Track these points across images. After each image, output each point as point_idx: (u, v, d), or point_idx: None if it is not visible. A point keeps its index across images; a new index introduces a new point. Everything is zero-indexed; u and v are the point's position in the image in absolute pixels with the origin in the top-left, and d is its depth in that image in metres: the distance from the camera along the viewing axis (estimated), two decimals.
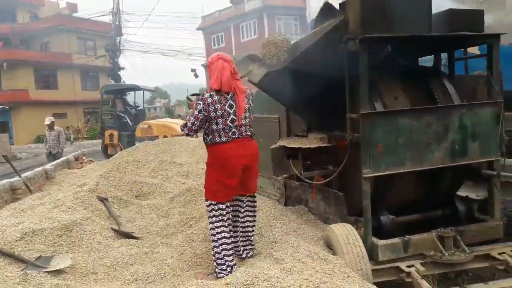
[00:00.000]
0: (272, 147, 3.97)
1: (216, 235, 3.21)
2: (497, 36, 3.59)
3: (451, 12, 3.85)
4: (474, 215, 3.84)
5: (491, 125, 3.56)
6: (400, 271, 3.23)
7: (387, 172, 3.34)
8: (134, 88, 16.23)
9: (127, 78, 37.71)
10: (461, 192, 4.17)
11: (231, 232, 3.29)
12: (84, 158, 11.81)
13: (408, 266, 3.24)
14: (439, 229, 3.46)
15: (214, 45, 35.01)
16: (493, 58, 3.61)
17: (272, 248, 3.26)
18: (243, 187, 3.36)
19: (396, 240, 3.37)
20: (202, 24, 36.26)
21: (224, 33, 34.00)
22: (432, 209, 3.85)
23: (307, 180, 3.91)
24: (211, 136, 3.29)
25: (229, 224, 3.28)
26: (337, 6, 3.48)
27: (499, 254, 3.36)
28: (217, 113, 3.23)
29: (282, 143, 3.92)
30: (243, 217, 3.44)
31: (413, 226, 3.89)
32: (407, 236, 3.40)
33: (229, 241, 3.21)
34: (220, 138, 3.25)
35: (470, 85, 4.18)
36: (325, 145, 3.78)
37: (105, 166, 8.03)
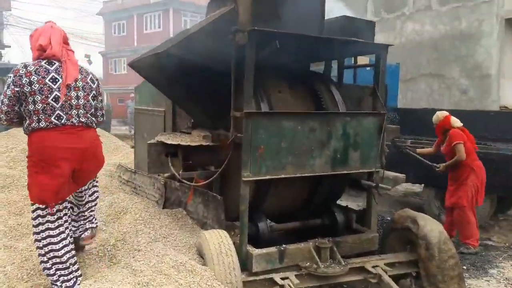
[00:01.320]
0: (149, 142, 3.53)
1: (44, 248, 2.64)
2: (385, 47, 3.61)
3: (344, 19, 3.83)
4: (353, 225, 3.82)
5: (374, 136, 3.56)
6: (274, 283, 3.02)
7: (268, 177, 3.12)
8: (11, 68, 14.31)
9: (15, 57, 33.67)
10: (343, 202, 4.19)
11: (69, 238, 2.74)
12: None
13: (283, 278, 3.04)
14: (316, 239, 3.34)
15: (115, 33, 33.11)
16: (380, 68, 3.63)
17: (133, 257, 2.81)
18: (74, 187, 2.82)
19: (271, 249, 3.16)
20: (103, 10, 34.00)
21: (126, 22, 32.29)
22: (312, 217, 3.74)
23: (185, 181, 3.54)
24: (28, 121, 2.61)
25: (66, 228, 2.72)
26: None
27: (373, 267, 3.33)
28: (33, 87, 2.54)
29: (160, 138, 3.49)
30: (84, 204, 3.03)
31: (292, 235, 3.78)
32: (284, 246, 3.22)
33: (61, 253, 2.65)
34: (39, 123, 2.57)
35: (356, 94, 4.20)
36: (207, 144, 3.45)
37: None
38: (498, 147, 5.86)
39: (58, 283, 2.65)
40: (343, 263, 3.25)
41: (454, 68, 11.44)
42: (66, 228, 2.72)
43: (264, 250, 3.12)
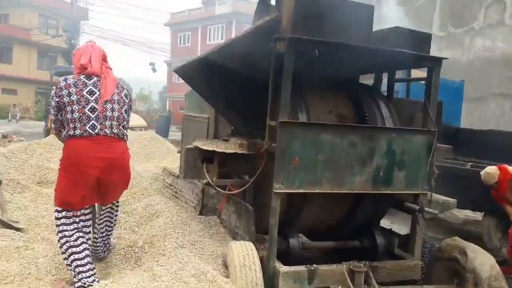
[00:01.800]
0: (186, 147, 3.52)
1: (64, 246, 2.73)
2: (438, 60, 3.34)
3: (396, 30, 3.60)
4: (394, 251, 3.55)
5: (422, 155, 3.29)
6: None
7: (300, 190, 2.97)
8: None
9: None
10: (387, 225, 3.92)
11: (87, 240, 2.82)
12: (14, 136, 10.95)
13: None
14: (351, 262, 3.12)
15: (180, 43, 34.46)
16: (432, 83, 3.36)
17: (157, 261, 2.78)
18: (100, 197, 2.91)
19: (301, 268, 2.99)
20: (171, 20, 35.61)
21: (191, 33, 33.54)
22: (349, 238, 3.52)
23: (217, 188, 3.48)
24: (66, 129, 2.77)
25: (84, 233, 2.81)
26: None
27: None
28: (72, 98, 2.72)
29: (197, 144, 3.47)
30: (101, 223, 3.09)
31: (327, 255, 3.58)
32: (314, 265, 3.03)
33: (80, 249, 2.72)
34: (75, 131, 2.72)
35: (408, 110, 3.94)
36: (243, 152, 3.37)
37: None
38: None
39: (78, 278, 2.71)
40: None
41: None
42: (84, 232, 2.80)
43: (293, 268, 2.96)
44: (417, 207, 3.19)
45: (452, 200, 3.57)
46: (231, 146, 3.40)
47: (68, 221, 2.78)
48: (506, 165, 4.59)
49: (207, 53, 3.26)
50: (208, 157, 3.49)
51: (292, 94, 3.23)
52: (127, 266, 2.89)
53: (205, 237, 3.35)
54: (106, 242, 3.18)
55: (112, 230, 3.19)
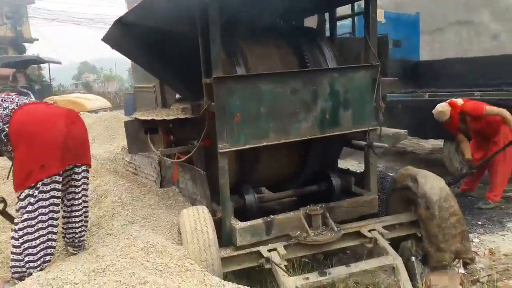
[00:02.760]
0: (125, 120, 3.40)
1: (22, 230, 2.48)
2: None
3: None
4: (351, 189, 3.59)
5: (366, 92, 3.25)
6: (260, 256, 2.87)
7: (247, 146, 2.91)
8: (36, 61, 14.61)
9: (45, 51, 34.38)
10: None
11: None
12: None
13: (270, 250, 2.89)
14: (308, 207, 3.13)
15: None
16: (369, 15, 3.27)
17: (103, 242, 2.71)
18: (75, 156, 2.71)
19: (257, 221, 2.99)
20: None
21: None
22: (306, 184, 3.53)
23: (165, 158, 3.40)
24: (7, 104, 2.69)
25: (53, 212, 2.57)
26: None
27: (369, 231, 3.11)
28: None
29: (136, 115, 3.35)
30: (78, 199, 2.78)
31: (291, 204, 3.60)
32: (271, 216, 3.04)
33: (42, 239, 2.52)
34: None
35: (355, 48, 3.87)
36: (185, 116, 3.27)
37: None
38: None
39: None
40: (336, 229, 3.04)
41: (483, 13, 10.57)
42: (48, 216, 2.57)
43: (249, 223, 2.96)
44: (364, 143, 3.18)
45: (403, 132, 3.58)
46: (173, 112, 3.29)
47: (45, 195, 2.51)
48: (454, 100, 4.66)
49: (123, 15, 3.06)
50: (151, 127, 3.38)
51: (227, 47, 3.13)
52: (73, 252, 2.80)
53: (160, 209, 3.30)
54: (84, 229, 2.88)
55: (88, 211, 2.95)
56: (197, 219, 2.75)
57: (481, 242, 3.74)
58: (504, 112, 4.36)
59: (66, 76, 43.32)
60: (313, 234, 2.99)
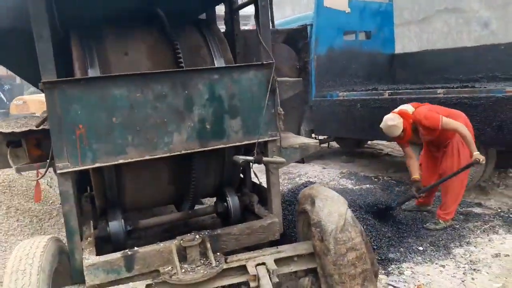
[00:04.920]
0: None
1: None
2: None
3: None
4: (255, 210, 3.05)
5: (260, 95, 2.70)
6: None
7: (97, 165, 2.39)
8: None
9: None
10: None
11: None
12: None
13: None
14: (184, 236, 2.60)
15: None
16: (258, 3, 2.70)
17: None
18: None
19: (114, 255, 2.47)
20: None
21: None
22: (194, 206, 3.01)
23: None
24: None
25: None
26: None
27: (258, 265, 2.57)
28: None
29: None
30: None
31: (169, 231, 3.09)
32: (134, 249, 2.52)
33: None
34: None
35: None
36: (28, 129, 2.74)
37: None
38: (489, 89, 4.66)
39: None
40: (214, 264, 2.51)
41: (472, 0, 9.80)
42: None
43: (103, 258, 2.44)
44: (251, 158, 2.63)
45: (313, 142, 3.01)
46: (27, 123, 2.79)
47: None
48: (403, 108, 4.05)
49: None
50: (13, 140, 2.88)
51: (82, 42, 2.62)
52: None
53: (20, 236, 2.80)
54: None
55: None
56: (27, 255, 2.25)
57: (413, 275, 3.13)
58: (461, 128, 3.75)
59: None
60: (183, 270, 2.47)
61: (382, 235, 3.62)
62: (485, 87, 4.75)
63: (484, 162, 3.77)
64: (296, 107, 3.60)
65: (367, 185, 5.45)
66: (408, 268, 3.22)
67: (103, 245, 2.73)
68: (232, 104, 2.65)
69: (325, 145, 7.86)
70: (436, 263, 3.28)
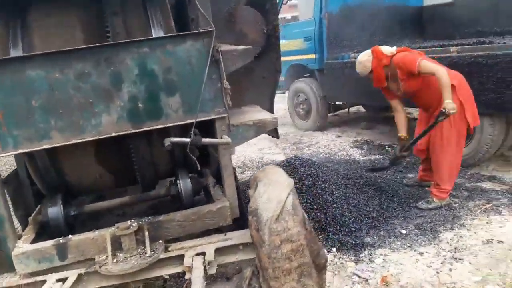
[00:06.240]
0: None
1: None
2: None
3: None
4: (211, 193, 2.83)
5: (200, 69, 2.41)
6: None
7: (20, 151, 2.26)
8: None
9: None
10: None
11: None
12: None
13: (60, 280, 2.29)
14: (120, 224, 2.46)
15: None
16: None
17: None
18: None
19: (46, 244, 2.38)
20: None
21: None
22: (147, 189, 2.83)
23: None
24: None
25: None
26: None
27: (197, 254, 2.38)
28: None
29: None
30: None
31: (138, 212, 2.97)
32: (70, 236, 2.42)
33: None
34: None
35: (226, 5, 3.00)
36: None
37: None
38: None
39: None
40: (149, 254, 2.35)
41: None
42: None
43: (33, 246, 2.36)
44: (187, 140, 2.37)
45: (271, 118, 2.68)
46: None
47: None
48: (381, 47, 3.50)
49: None
50: None
51: (7, 20, 2.46)
52: None
53: None
54: None
55: None
56: None
57: (384, 264, 2.79)
58: (440, 71, 3.16)
59: None
60: (115, 260, 2.34)
61: (364, 215, 3.27)
62: (504, 43, 4.06)
63: (453, 112, 3.12)
64: (268, 77, 3.25)
65: (377, 156, 5.02)
66: (381, 255, 2.88)
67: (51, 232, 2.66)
68: (168, 79, 2.39)
69: (345, 110, 7.37)
70: (415, 250, 2.90)
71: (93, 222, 2.89)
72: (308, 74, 7.12)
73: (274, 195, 2.23)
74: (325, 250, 3.01)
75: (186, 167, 2.88)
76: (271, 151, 6.04)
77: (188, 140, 2.36)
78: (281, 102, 8.26)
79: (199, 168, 2.48)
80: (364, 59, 3.40)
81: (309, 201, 3.33)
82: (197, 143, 2.40)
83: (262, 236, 2.16)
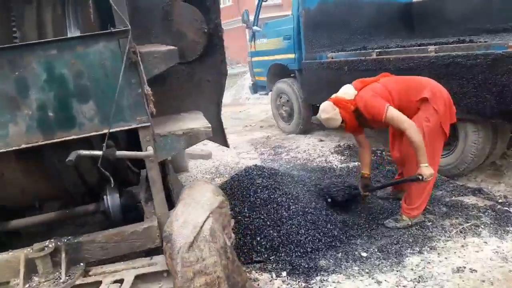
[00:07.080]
0: None
1: None
2: None
3: None
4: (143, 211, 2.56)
5: (115, 73, 2.15)
6: None
7: None
8: None
9: None
10: None
11: None
12: None
13: None
14: (34, 245, 2.21)
15: None
16: None
17: None
18: None
19: None
20: None
21: None
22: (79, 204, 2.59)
23: None
24: None
25: None
26: None
27: (115, 282, 2.12)
28: None
29: None
30: None
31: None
32: None
33: None
34: None
35: (159, 3, 2.75)
36: None
37: None
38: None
39: None
40: (63, 279, 2.10)
41: None
42: None
43: None
44: (98, 153, 2.11)
45: (204, 127, 2.40)
46: None
47: None
48: (340, 95, 3.26)
49: None
50: None
51: None
52: None
53: None
54: None
55: None
56: None
57: None
58: (410, 130, 2.90)
59: None
60: (27, 286, 2.10)
61: (324, 233, 2.96)
62: (485, 41, 3.73)
63: (429, 179, 2.93)
64: (213, 80, 2.98)
65: (356, 163, 4.71)
66: (334, 282, 2.55)
67: None
68: (81, 85, 2.14)
69: None
70: (373, 278, 2.56)
71: (15, 241, 2.63)
72: (293, 74, 6.82)
73: (191, 218, 1.97)
74: (274, 274, 2.72)
75: (122, 181, 2.63)
76: (249, 155, 5.74)
77: (100, 153, 2.10)
78: (268, 103, 7.99)
79: (112, 185, 2.21)
80: (331, 114, 3.14)
81: (262, 217, 3.03)
82: (110, 156, 2.13)
83: (175, 266, 1.90)
